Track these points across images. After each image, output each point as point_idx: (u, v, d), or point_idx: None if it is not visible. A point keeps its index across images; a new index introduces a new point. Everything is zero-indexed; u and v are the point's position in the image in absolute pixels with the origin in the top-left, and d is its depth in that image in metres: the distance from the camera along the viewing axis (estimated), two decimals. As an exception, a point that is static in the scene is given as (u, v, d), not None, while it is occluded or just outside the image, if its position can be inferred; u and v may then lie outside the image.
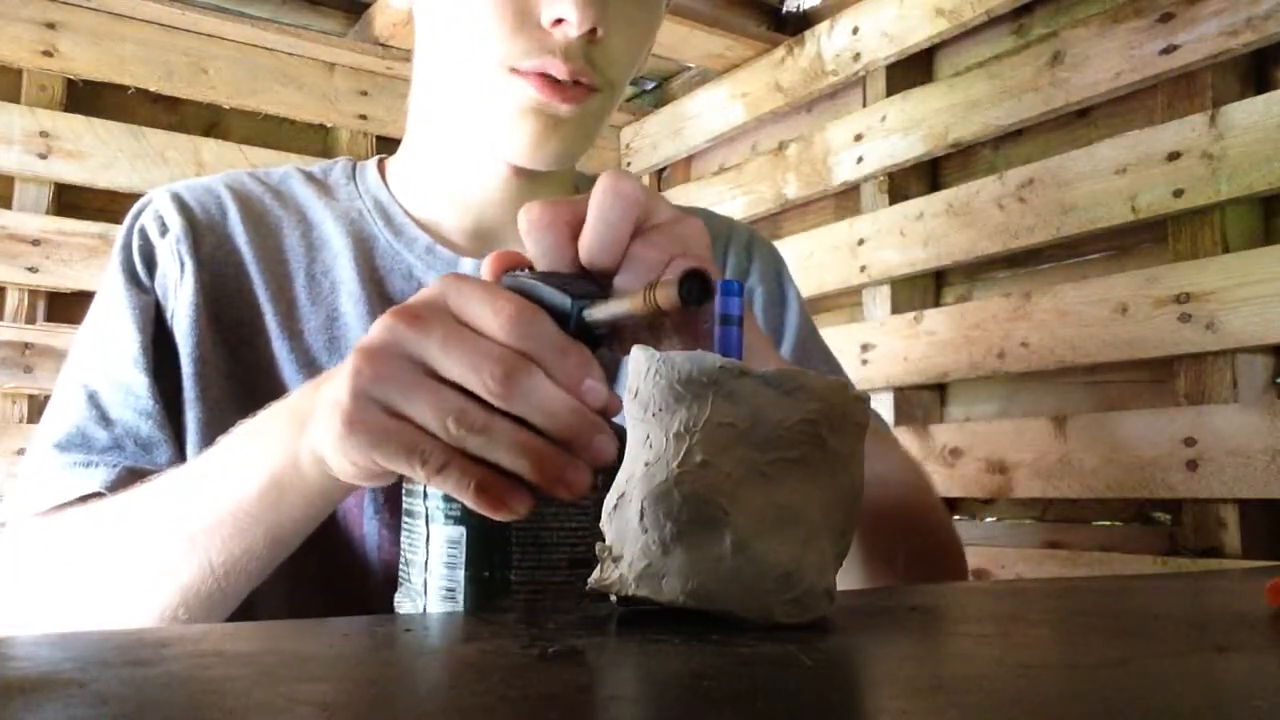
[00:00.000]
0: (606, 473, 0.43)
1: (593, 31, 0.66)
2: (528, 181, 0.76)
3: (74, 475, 0.66)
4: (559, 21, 0.66)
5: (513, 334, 0.44)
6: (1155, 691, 0.28)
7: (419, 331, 0.44)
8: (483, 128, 0.72)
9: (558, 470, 0.43)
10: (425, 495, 0.48)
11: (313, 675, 0.28)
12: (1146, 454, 1.15)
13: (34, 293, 1.55)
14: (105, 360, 0.70)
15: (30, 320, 1.55)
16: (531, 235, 0.49)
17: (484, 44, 0.68)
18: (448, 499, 0.47)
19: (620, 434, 0.43)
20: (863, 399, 0.41)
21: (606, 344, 0.49)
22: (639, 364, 0.40)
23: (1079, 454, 1.21)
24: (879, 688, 0.29)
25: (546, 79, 0.68)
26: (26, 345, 1.52)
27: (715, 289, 0.42)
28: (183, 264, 0.72)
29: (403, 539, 0.50)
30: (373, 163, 0.84)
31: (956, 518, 1.41)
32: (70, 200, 1.61)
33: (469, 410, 0.43)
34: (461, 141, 0.76)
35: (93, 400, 0.69)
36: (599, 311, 0.45)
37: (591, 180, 0.89)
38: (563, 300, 0.46)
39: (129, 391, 0.69)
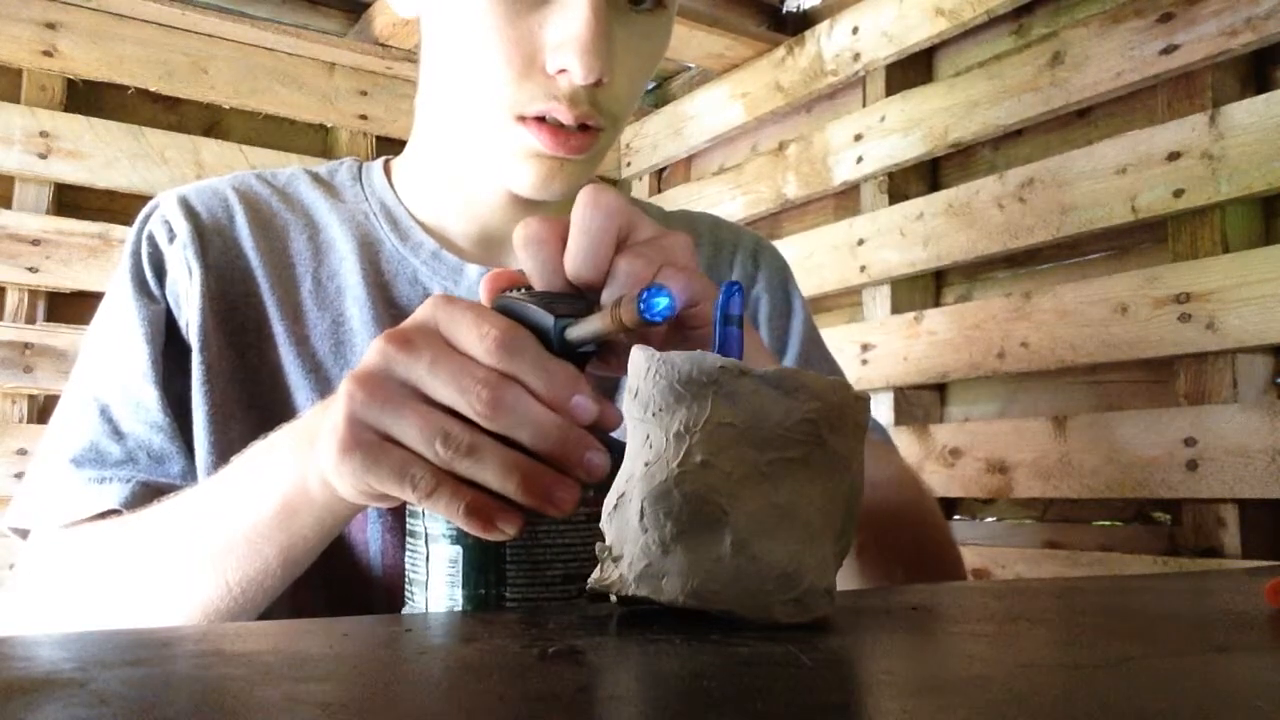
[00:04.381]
0: (599, 488, 0.44)
1: (599, 79, 0.65)
2: None
3: (90, 491, 0.66)
4: (565, 70, 0.65)
5: (497, 355, 0.45)
6: (1155, 691, 0.28)
7: (409, 355, 0.46)
8: (488, 165, 0.72)
9: (545, 488, 0.44)
10: (424, 515, 0.49)
11: (313, 675, 0.28)
12: (1146, 454, 1.15)
13: (34, 293, 1.55)
14: (116, 373, 0.71)
15: (30, 320, 1.55)
16: (526, 251, 0.50)
17: (489, 90, 0.67)
18: (445, 519, 0.48)
19: (616, 448, 0.44)
20: (863, 399, 0.41)
21: (601, 359, 0.50)
22: (639, 364, 0.40)
23: (1079, 454, 1.21)
24: (879, 688, 0.29)
25: (552, 128, 0.67)
26: (26, 345, 1.52)
27: (678, 303, 0.43)
28: (190, 269, 0.72)
29: (406, 558, 0.51)
30: (379, 164, 0.83)
31: (956, 518, 1.41)
32: (70, 200, 1.61)
33: (455, 432, 0.44)
34: (468, 163, 0.75)
35: (104, 414, 0.70)
36: (578, 330, 0.47)
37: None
38: (545, 319, 0.47)
39: (140, 405, 0.70)
